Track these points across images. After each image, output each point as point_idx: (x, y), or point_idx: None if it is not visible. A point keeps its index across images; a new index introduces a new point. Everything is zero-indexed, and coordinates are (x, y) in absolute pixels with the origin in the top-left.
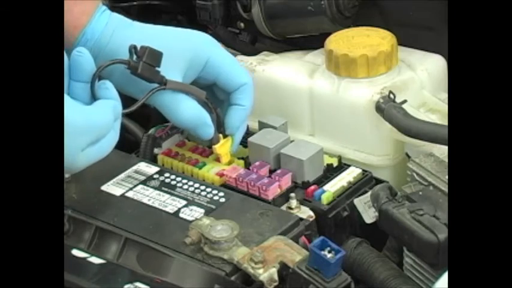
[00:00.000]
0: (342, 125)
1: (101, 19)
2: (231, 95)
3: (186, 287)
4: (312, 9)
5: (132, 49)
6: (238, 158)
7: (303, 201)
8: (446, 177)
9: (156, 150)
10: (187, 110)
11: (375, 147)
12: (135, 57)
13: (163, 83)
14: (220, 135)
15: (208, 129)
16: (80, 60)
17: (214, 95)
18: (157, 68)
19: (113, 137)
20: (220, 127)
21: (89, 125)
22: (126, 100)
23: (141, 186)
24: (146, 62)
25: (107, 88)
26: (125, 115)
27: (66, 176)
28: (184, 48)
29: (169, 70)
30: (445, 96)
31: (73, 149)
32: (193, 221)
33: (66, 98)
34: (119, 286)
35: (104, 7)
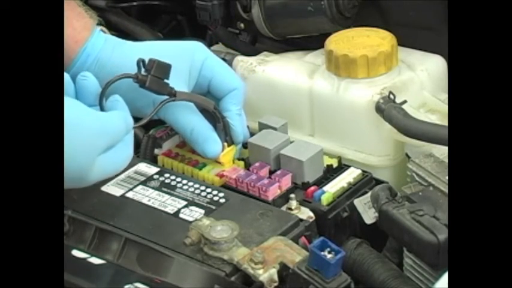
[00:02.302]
0: (341, 125)
1: (100, 35)
2: (222, 100)
3: (186, 287)
4: (312, 9)
5: (140, 63)
6: (238, 159)
7: (302, 202)
8: (446, 177)
9: (156, 151)
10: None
11: (375, 147)
12: (143, 70)
13: (172, 94)
14: (225, 144)
15: (215, 145)
16: (85, 84)
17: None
18: (165, 80)
19: (125, 149)
20: (227, 136)
21: (104, 129)
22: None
23: (141, 186)
24: (154, 75)
25: (117, 100)
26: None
27: None
28: (183, 59)
29: (175, 83)
30: (445, 96)
31: (89, 154)
32: (193, 221)
33: (80, 104)
34: (119, 286)
35: (99, 29)
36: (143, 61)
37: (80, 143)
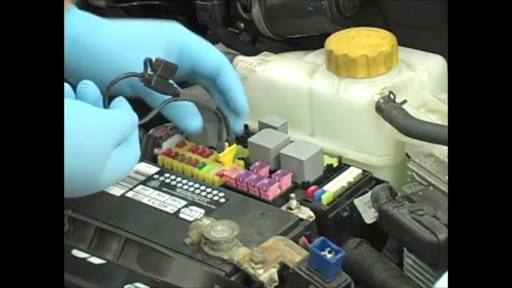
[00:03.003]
0: (342, 125)
1: (76, 14)
2: (218, 81)
3: (186, 287)
4: (312, 9)
5: (147, 62)
6: (239, 159)
7: (303, 202)
8: (447, 177)
9: (156, 151)
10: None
11: (375, 147)
12: (149, 69)
13: (176, 94)
14: (226, 144)
15: (196, 119)
16: (86, 91)
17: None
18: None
19: (132, 148)
20: (228, 136)
21: (111, 125)
22: None
23: (141, 186)
24: (160, 75)
25: (121, 100)
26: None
27: None
28: (157, 39)
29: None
30: (445, 96)
31: (101, 151)
32: (193, 221)
33: (84, 104)
34: (119, 286)
35: (74, 6)
36: (150, 60)
37: (91, 141)
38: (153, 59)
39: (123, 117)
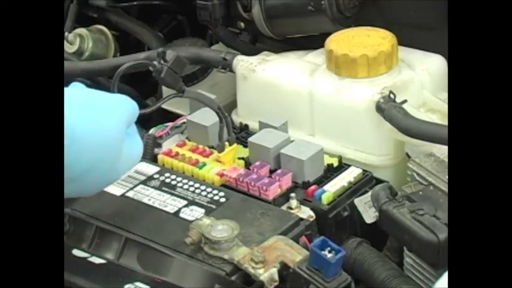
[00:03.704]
0: (342, 125)
1: None
2: None
3: (186, 286)
4: (312, 9)
5: (161, 53)
6: (239, 158)
7: (303, 201)
8: (447, 177)
9: (156, 150)
10: None
11: (375, 147)
12: (161, 60)
13: (181, 90)
14: (226, 143)
15: None
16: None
17: None
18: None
19: (136, 137)
20: (229, 135)
21: (120, 105)
22: None
23: (141, 186)
24: (171, 68)
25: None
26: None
27: None
28: None
29: None
30: (445, 96)
31: (118, 133)
32: (193, 221)
33: (89, 89)
34: (120, 286)
35: None
36: (164, 52)
37: (106, 119)
38: (166, 51)
39: (125, 99)
